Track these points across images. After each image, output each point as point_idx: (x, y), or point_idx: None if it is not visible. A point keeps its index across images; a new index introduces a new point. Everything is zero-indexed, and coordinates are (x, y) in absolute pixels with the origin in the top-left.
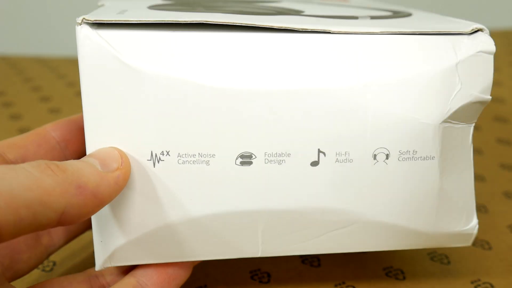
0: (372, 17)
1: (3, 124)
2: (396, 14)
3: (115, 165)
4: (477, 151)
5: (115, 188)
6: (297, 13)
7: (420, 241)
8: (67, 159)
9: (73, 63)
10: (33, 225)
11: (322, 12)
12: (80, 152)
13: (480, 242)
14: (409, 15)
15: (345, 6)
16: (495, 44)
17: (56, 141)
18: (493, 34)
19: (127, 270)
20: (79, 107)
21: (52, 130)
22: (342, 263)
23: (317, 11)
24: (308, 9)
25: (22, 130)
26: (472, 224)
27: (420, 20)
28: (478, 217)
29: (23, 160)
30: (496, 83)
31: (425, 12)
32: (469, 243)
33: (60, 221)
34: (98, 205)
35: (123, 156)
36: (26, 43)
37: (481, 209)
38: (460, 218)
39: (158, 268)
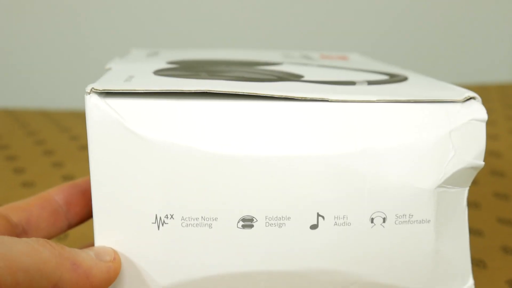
0: (369, 83)
1: (7, 177)
2: (393, 79)
3: (108, 258)
4: (474, 205)
5: (106, 277)
6: (297, 78)
7: None
8: (69, 222)
9: (77, 116)
10: None
11: (321, 77)
12: (83, 215)
13: None
14: (405, 79)
15: (344, 68)
16: (492, 99)
17: (59, 204)
18: (490, 88)
19: None
20: (82, 161)
21: (55, 194)
22: None
23: (316, 75)
24: (307, 73)
25: (25, 184)
26: (468, 285)
27: (415, 86)
28: (476, 272)
29: (27, 222)
30: (492, 136)
31: (421, 76)
32: None
33: None
34: (88, 285)
35: (115, 253)
36: (30, 97)
37: (479, 264)
38: (456, 280)
39: None
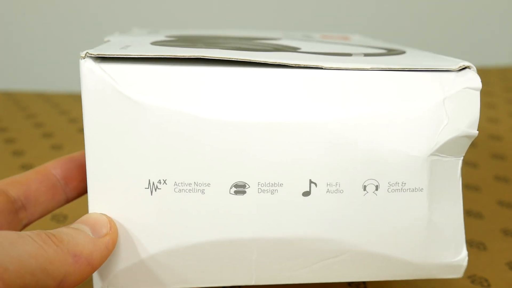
0: (366, 54)
1: (6, 160)
2: (390, 52)
3: (104, 231)
4: (475, 189)
5: (105, 253)
6: (294, 50)
7: (410, 272)
8: (67, 197)
9: (76, 99)
10: None
11: (317, 49)
12: (80, 189)
13: (479, 280)
14: (402, 53)
15: (343, 44)
16: (492, 82)
17: (57, 178)
18: (490, 72)
19: None
20: (81, 144)
21: (53, 168)
22: None
23: (313, 48)
24: (305, 46)
25: (24, 166)
26: (461, 256)
27: (412, 57)
28: (477, 254)
29: (26, 197)
30: (493, 120)
31: (418, 51)
32: (460, 274)
33: None
34: (91, 271)
35: (111, 222)
36: (29, 79)
37: (479, 246)
38: (449, 250)
39: None
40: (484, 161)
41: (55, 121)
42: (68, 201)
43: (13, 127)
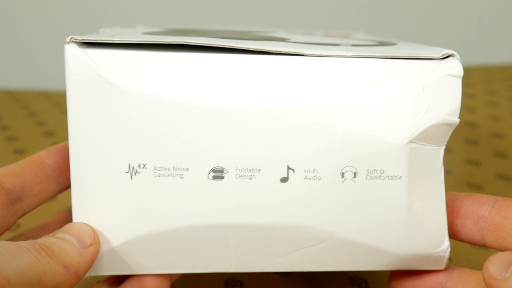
0: (354, 45)
1: (7, 158)
2: (381, 44)
3: (89, 241)
4: (477, 187)
5: (90, 264)
6: (282, 40)
7: (390, 262)
8: (61, 186)
9: None
10: None
11: (307, 40)
12: None
13: None
14: (393, 44)
15: (335, 37)
16: (495, 80)
17: (51, 168)
18: (492, 69)
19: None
20: None
21: (46, 158)
22: None
23: (303, 39)
24: (295, 37)
25: None
26: (443, 247)
27: (399, 48)
28: (479, 254)
29: (21, 188)
30: (495, 118)
31: (412, 43)
32: (441, 266)
33: None
34: (77, 281)
35: (94, 232)
36: (30, 78)
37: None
38: (431, 240)
39: (135, 281)
40: (486, 159)
41: (57, 119)
42: (61, 191)
43: (14, 125)
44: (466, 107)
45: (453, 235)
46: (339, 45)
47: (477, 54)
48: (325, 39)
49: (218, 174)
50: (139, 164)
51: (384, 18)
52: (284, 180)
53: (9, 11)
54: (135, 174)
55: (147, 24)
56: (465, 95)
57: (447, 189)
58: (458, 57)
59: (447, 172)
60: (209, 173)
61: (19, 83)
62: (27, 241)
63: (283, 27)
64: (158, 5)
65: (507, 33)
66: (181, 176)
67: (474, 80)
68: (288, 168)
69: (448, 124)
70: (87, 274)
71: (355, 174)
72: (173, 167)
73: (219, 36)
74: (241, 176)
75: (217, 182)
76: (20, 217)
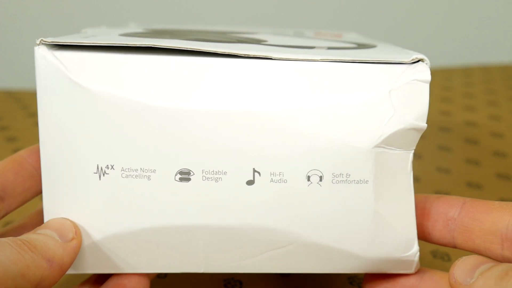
0: (329, 48)
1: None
2: (360, 46)
3: (70, 235)
4: (477, 187)
5: (73, 257)
6: (258, 42)
7: (359, 265)
8: None
9: None
10: None
11: (283, 42)
12: None
13: None
14: (373, 47)
15: (316, 39)
16: (495, 80)
17: (33, 167)
18: (492, 69)
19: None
20: None
21: (28, 157)
22: None
23: (280, 41)
24: (274, 39)
25: None
26: (412, 251)
27: (374, 52)
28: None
29: (3, 189)
30: (495, 117)
31: (391, 46)
32: (411, 270)
33: None
34: (62, 275)
35: (75, 226)
36: (30, 78)
37: None
38: (399, 244)
39: (116, 280)
40: (486, 159)
41: None
42: None
43: (14, 125)
44: (466, 107)
45: (424, 237)
46: (313, 48)
47: (477, 54)
48: (305, 41)
49: (184, 176)
50: (107, 165)
51: (384, 18)
52: (250, 182)
53: (9, 11)
54: (103, 175)
55: (139, 24)
56: (465, 95)
57: (448, 189)
58: (428, 62)
59: (446, 171)
60: (176, 174)
61: (19, 83)
62: (8, 238)
63: (274, 27)
64: (158, 5)
65: (507, 33)
66: (149, 178)
67: (474, 79)
68: (254, 171)
69: (416, 129)
70: (70, 271)
71: (321, 178)
72: (141, 169)
73: (194, 38)
74: (208, 178)
75: (184, 183)
76: (2, 217)
